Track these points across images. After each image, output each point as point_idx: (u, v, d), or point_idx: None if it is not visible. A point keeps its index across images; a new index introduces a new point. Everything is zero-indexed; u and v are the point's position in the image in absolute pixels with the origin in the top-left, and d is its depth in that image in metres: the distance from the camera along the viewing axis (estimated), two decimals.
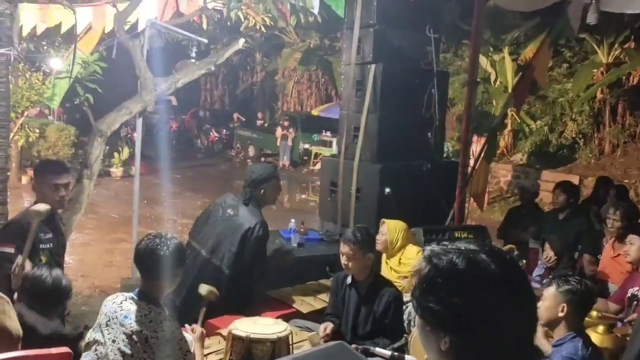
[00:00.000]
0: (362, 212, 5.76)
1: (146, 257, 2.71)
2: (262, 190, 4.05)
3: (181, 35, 7.17)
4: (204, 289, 3.36)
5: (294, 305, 4.30)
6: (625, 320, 3.85)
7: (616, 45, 12.24)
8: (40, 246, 3.49)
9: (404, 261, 4.41)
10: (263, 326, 3.12)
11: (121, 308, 2.66)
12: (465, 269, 1.11)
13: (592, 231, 5.52)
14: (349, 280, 3.69)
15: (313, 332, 3.56)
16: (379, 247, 4.40)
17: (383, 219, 4.56)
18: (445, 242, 1.19)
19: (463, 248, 1.15)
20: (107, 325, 2.65)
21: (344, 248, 3.58)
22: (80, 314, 5.38)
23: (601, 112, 12.57)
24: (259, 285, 4.18)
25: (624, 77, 12.13)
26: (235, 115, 23.13)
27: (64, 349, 2.61)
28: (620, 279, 4.35)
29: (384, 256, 4.59)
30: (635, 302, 3.81)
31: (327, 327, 3.54)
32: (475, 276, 1.11)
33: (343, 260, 3.60)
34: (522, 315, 1.13)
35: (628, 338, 3.37)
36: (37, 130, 12.64)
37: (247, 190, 4.10)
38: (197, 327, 3.05)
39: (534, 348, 1.19)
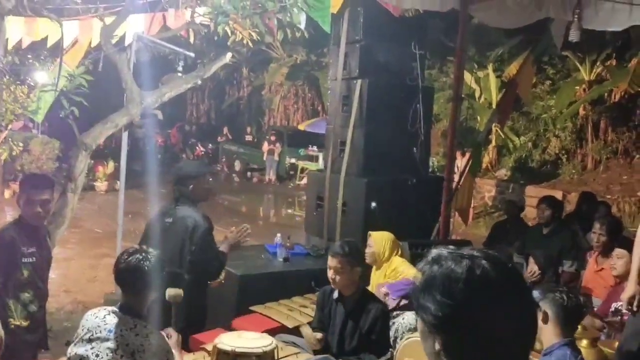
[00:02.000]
0: (349, 226, 5.77)
1: (128, 274, 2.67)
2: (191, 187, 4.00)
3: (168, 49, 7.18)
4: (169, 293, 3.28)
5: (279, 320, 4.28)
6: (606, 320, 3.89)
7: (598, 63, 12.45)
8: (23, 260, 3.44)
9: (388, 273, 4.41)
10: (248, 340, 3.10)
11: (105, 322, 2.63)
12: (463, 272, 1.12)
13: (576, 246, 5.56)
14: (335, 294, 3.68)
15: (307, 332, 3.54)
16: (368, 260, 4.40)
17: (370, 232, 4.57)
18: (452, 247, 1.20)
19: (466, 253, 1.16)
20: (90, 340, 2.61)
21: (331, 262, 3.56)
22: (63, 330, 5.32)
23: (584, 128, 12.75)
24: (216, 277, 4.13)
25: (605, 94, 12.32)
26: (225, 129, 23.04)
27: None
28: (604, 293, 4.38)
29: (373, 270, 4.59)
30: (619, 317, 3.83)
31: (320, 334, 3.56)
32: (472, 280, 1.11)
33: (330, 274, 3.58)
34: (519, 324, 1.14)
35: (610, 349, 3.39)
36: (21, 144, 12.49)
37: (175, 188, 4.05)
38: (173, 333, 3.02)
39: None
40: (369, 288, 4.45)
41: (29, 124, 15.78)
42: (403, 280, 4.14)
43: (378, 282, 4.43)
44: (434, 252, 1.19)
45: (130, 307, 2.68)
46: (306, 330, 3.56)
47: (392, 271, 4.37)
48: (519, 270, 1.21)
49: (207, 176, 4.15)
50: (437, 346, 1.13)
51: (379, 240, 4.45)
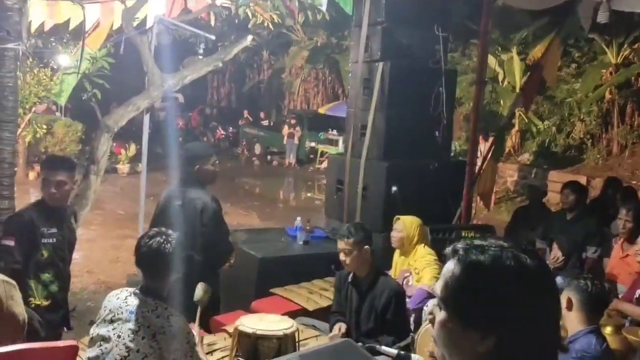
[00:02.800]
0: (369, 210, 5.74)
1: (150, 257, 2.69)
2: (197, 167, 3.98)
3: (189, 31, 7.18)
4: (198, 293, 3.26)
5: (299, 303, 4.29)
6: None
7: (625, 46, 12.17)
8: (43, 241, 3.47)
9: (412, 261, 4.36)
10: (269, 323, 3.11)
11: (126, 303, 2.65)
12: (511, 266, 1.08)
13: (600, 232, 5.48)
14: (350, 277, 3.69)
15: (331, 334, 3.55)
16: (395, 244, 4.39)
17: (397, 216, 4.52)
18: (470, 241, 1.15)
19: (498, 245, 1.11)
20: (111, 321, 2.64)
21: (340, 244, 3.60)
22: (86, 310, 5.40)
23: (609, 112, 12.50)
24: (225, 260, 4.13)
25: (632, 78, 12.05)
26: (246, 113, 23.06)
27: (71, 342, 2.61)
28: (629, 280, 4.32)
29: (396, 254, 4.55)
30: None
31: (341, 327, 3.55)
32: (519, 273, 1.08)
33: (341, 257, 3.61)
34: (554, 312, 1.13)
35: (635, 337, 3.34)
36: (45, 127, 12.68)
37: (182, 169, 4.05)
38: (195, 329, 3.02)
39: (560, 344, 1.17)
40: (392, 272, 4.44)
41: (52, 107, 15.98)
42: (418, 291, 4.09)
43: (402, 268, 4.41)
44: (458, 247, 1.14)
45: (151, 289, 2.70)
46: (330, 335, 3.55)
47: (417, 260, 4.32)
48: (544, 259, 1.18)
49: (213, 157, 4.12)
50: (484, 347, 1.07)
51: (409, 225, 4.38)
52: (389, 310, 3.49)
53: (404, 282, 4.23)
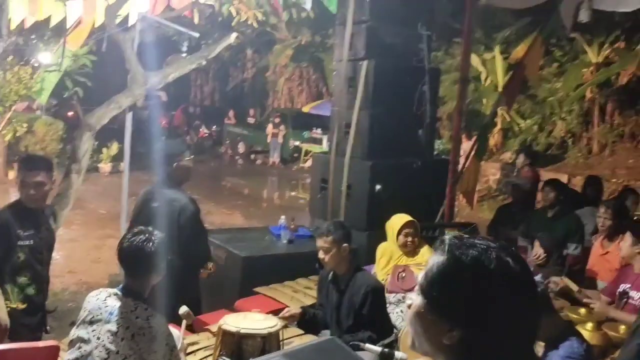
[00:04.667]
0: (353, 208, 5.75)
1: (132, 255, 2.65)
2: (174, 165, 3.96)
3: (172, 29, 7.12)
4: (183, 310, 3.25)
5: (284, 302, 4.29)
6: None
7: (606, 45, 12.30)
8: (19, 243, 3.39)
9: (419, 260, 4.41)
10: (253, 321, 3.10)
11: (105, 304, 2.61)
12: (492, 266, 1.09)
13: (580, 229, 5.54)
14: (330, 276, 3.70)
15: (281, 314, 3.52)
16: (409, 247, 4.44)
17: (411, 219, 4.53)
18: (463, 235, 1.17)
19: (485, 244, 1.13)
20: (91, 323, 2.60)
21: (319, 242, 3.60)
22: (67, 311, 5.34)
23: (590, 111, 12.64)
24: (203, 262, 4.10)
25: (613, 77, 12.19)
26: (231, 112, 22.92)
27: (52, 342, 2.58)
28: (609, 277, 4.37)
29: (385, 249, 4.56)
30: (625, 299, 3.82)
31: (291, 310, 3.57)
32: (500, 274, 1.09)
33: (320, 254, 3.60)
34: (532, 315, 1.14)
35: (615, 332, 3.38)
36: (25, 125, 12.51)
37: (159, 170, 4.01)
38: (179, 332, 3.00)
39: (535, 351, 1.19)
40: (376, 267, 4.45)
41: (32, 105, 15.78)
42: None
43: (397, 264, 4.42)
44: (449, 240, 1.15)
45: (132, 289, 2.66)
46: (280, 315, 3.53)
47: (423, 257, 4.36)
48: (522, 258, 1.19)
49: (187, 153, 4.09)
50: (450, 339, 1.10)
51: (418, 227, 4.48)
52: (365, 306, 3.50)
53: (398, 277, 4.24)
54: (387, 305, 3.85)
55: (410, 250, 4.48)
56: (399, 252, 4.51)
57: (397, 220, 4.53)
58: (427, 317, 1.14)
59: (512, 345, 1.10)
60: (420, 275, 1.18)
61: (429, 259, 1.16)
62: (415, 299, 1.17)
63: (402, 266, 4.36)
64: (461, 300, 1.09)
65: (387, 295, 3.93)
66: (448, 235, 1.18)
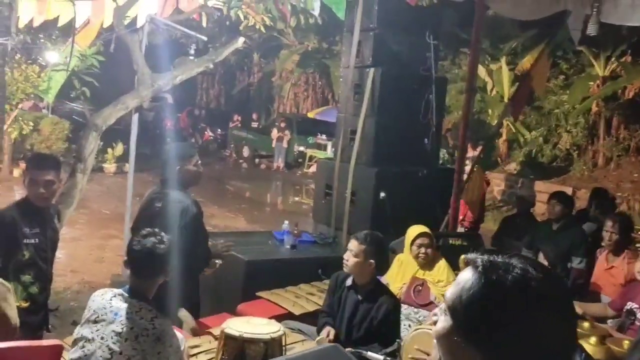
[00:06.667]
0: (357, 215, 5.74)
1: (143, 257, 2.65)
2: (178, 167, 3.90)
3: (180, 32, 7.14)
4: (182, 313, 3.23)
5: (286, 307, 4.27)
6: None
7: (613, 59, 12.32)
8: (24, 241, 3.39)
9: (435, 272, 4.36)
10: (256, 326, 3.09)
11: (110, 305, 2.61)
12: (535, 295, 1.01)
13: (586, 242, 5.51)
14: (349, 282, 3.66)
15: (320, 337, 3.53)
16: (423, 259, 4.36)
17: (425, 230, 4.45)
18: (496, 255, 1.08)
19: (523, 267, 1.03)
20: (95, 322, 2.59)
21: (351, 244, 3.56)
22: (69, 310, 5.34)
23: (596, 124, 12.65)
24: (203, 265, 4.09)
25: (619, 91, 12.20)
26: (236, 116, 22.97)
27: (55, 341, 2.57)
28: (613, 292, 4.34)
29: (402, 261, 4.54)
30: (632, 319, 3.78)
31: (330, 332, 3.52)
32: (543, 305, 1.01)
33: (346, 255, 3.57)
34: (568, 347, 1.07)
35: (618, 347, 3.36)
36: (31, 123, 12.55)
37: (164, 171, 3.95)
38: (189, 318, 3.01)
39: None
40: (388, 277, 4.43)
41: (39, 104, 15.84)
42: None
43: (415, 276, 4.37)
44: (481, 260, 1.06)
45: (137, 290, 2.66)
46: (318, 338, 3.53)
47: (441, 273, 4.32)
48: (565, 281, 1.12)
49: (196, 158, 4.04)
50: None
51: (432, 239, 4.43)
52: (385, 324, 3.48)
53: (414, 290, 4.21)
54: None
55: (425, 263, 4.38)
56: (414, 263, 4.42)
57: (412, 231, 4.45)
58: (456, 341, 1.06)
59: None
60: (447, 295, 1.10)
61: (448, 276, 1.11)
62: (442, 319, 1.09)
63: (421, 280, 4.30)
64: (497, 328, 1.01)
65: None
66: (476, 254, 1.09)
